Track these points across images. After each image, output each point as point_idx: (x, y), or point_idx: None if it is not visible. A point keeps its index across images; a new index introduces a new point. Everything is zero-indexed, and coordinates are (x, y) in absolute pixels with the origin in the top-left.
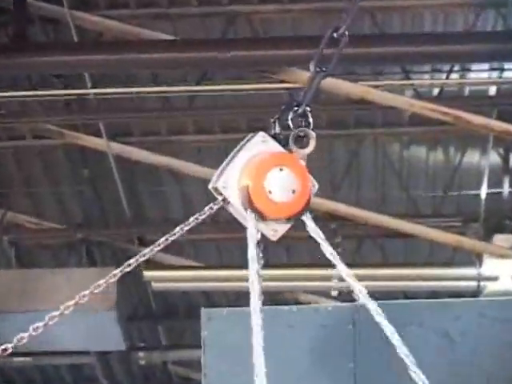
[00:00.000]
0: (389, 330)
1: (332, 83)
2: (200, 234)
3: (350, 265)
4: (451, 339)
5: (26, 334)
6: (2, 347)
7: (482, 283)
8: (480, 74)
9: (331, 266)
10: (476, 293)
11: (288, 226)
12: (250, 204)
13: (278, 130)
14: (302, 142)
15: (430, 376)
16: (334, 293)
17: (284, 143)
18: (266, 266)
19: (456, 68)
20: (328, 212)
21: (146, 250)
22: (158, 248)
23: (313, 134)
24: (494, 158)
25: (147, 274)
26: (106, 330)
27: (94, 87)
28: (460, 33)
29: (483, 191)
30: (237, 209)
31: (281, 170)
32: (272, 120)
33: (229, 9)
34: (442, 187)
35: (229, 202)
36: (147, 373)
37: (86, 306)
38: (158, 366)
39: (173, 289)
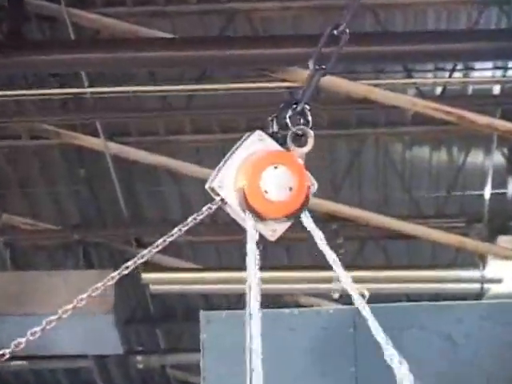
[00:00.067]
0: (380, 337)
1: (333, 82)
2: (199, 235)
3: (351, 267)
4: (454, 342)
5: (23, 339)
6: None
7: (485, 285)
8: (484, 72)
9: (332, 267)
10: (479, 295)
11: (287, 225)
12: (246, 204)
13: (275, 128)
14: (300, 140)
15: (432, 378)
16: (336, 295)
17: (282, 142)
18: (265, 268)
19: (459, 66)
20: (329, 213)
21: (144, 252)
22: (157, 249)
23: (311, 132)
24: (498, 157)
25: (145, 276)
26: (104, 334)
27: (90, 86)
28: (463, 31)
29: (487, 192)
30: (234, 209)
31: (276, 168)
32: (270, 118)
33: (228, 6)
34: (445, 188)
35: (226, 203)
36: (145, 377)
37: (83, 309)
38: (156, 370)
39: (171, 291)
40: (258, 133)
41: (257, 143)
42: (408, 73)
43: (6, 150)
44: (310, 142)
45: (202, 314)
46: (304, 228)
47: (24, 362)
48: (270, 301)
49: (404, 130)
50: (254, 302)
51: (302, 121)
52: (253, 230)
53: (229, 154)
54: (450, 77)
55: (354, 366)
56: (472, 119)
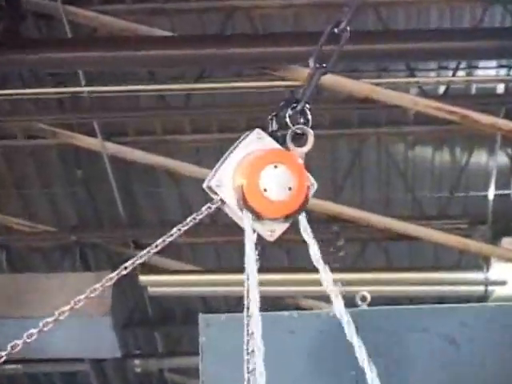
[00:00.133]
0: (356, 342)
1: (334, 81)
2: (198, 236)
3: (352, 268)
4: (457, 345)
5: (19, 341)
6: None
7: (489, 288)
8: (487, 71)
9: (334, 270)
10: (483, 298)
11: (286, 225)
12: (244, 203)
13: (275, 127)
14: (300, 140)
15: (435, 383)
16: None
17: (281, 141)
18: (265, 270)
19: (462, 65)
20: (330, 214)
21: (143, 252)
22: (155, 250)
23: (311, 131)
24: (502, 158)
25: (143, 278)
26: (101, 337)
27: (88, 85)
28: (467, 29)
29: (491, 192)
30: (232, 209)
31: (276, 167)
32: (269, 117)
33: (227, 4)
34: (448, 188)
35: (224, 202)
36: (143, 381)
37: (80, 312)
38: (154, 374)
39: (170, 293)
40: (257, 131)
41: (256, 142)
42: (410, 71)
43: (1, 149)
44: (310, 141)
45: (201, 316)
46: None
47: (18, 366)
48: (270, 303)
49: (406, 129)
50: (253, 301)
51: (301, 120)
52: (250, 228)
53: (227, 152)
54: (453, 76)
55: (355, 369)
56: (475, 119)
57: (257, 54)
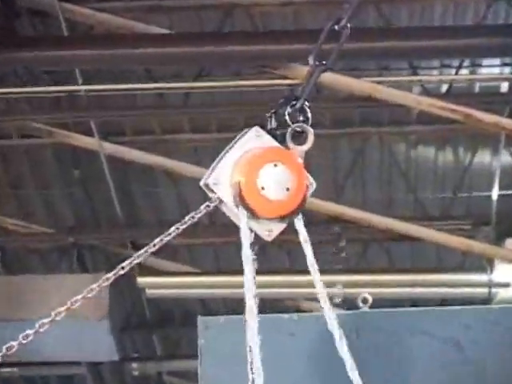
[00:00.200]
0: (341, 345)
1: (336, 79)
2: (196, 237)
3: (354, 270)
4: (461, 348)
5: (15, 343)
6: None
7: (493, 290)
8: (491, 69)
9: (335, 271)
10: (487, 300)
11: (283, 225)
12: (241, 201)
13: (273, 125)
14: (299, 138)
15: None
16: (338, 300)
17: (280, 139)
18: (266, 271)
19: (466, 63)
20: (331, 214)
21: (141, 252)
22: (153, 249)
23: (311, 129)
24: (506, 157)
25: (141, 280)
26: (98, 340)
27: (84, 83)
28: (470, 26)
29: (494, 193)
30: (229, 207)
31: (275, 165)
32: (268, 115)
33: (226, 1)
34: (451, 189)
35: (222, 201)
36: None
37: (77, 314)
38: (152, 377)
39: (168, 296)
40: (256, 129)
41: (254, 140)
42: (413, 70)
43: None
44: (310, 139)
45: (200, 319)
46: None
47: (14, 369)
48: (269, 305)
49: (409, 128)
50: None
51: (301, 118)
52: (246, 226)
53: (225, 150)
54: (456, 74)
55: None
56: (479, 118)
57: (256, 51)
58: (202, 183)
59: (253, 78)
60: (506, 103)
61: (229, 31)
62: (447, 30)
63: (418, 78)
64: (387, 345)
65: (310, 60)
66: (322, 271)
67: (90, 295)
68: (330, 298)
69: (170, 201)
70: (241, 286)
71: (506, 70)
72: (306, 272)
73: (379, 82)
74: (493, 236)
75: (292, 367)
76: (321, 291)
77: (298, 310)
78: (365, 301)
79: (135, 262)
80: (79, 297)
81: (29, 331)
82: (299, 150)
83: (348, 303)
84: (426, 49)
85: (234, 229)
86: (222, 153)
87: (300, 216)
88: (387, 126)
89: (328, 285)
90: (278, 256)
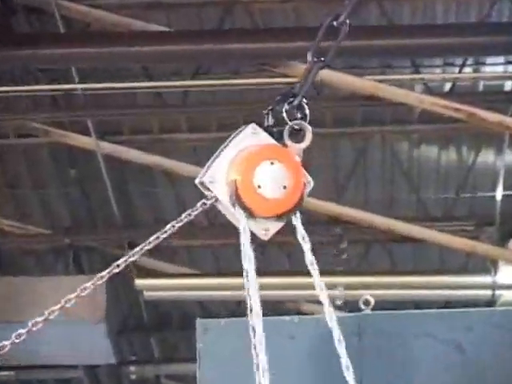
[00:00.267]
0: (339, 347)
1: (337, 78)
2: (195, 239)
3: (355, 271)
4: (464, 351)
5: (7, 342)
6: None
7: (497, 292)
8: (495, 67)
9: (336, 273)
10: (490, 302)
11: (280, 225)
12: (238, 200)
13: (271, 122)
14: (297, 136)
15: None
16: (339, 302)
17: (277, 137)
18: (266, 273)
19: (469, 61)
20: (332, 215)
21: (136, 249)
22: (148, 247)
23: (309, 127)
24: (510, 157)
25: (138, 282)
26: (95, 343)
27: (81, 82)
28: (474, 24)
29: (498, 193)
30: (226, 206)
31: (272, 163)
32: (265, 112)
33: None
34: (454, 189)
35: (218, 199)
36: None
37: (73, 317)
38: (150, 381)
39: (166, 298)
40: (252, 126)
41: (250, 137)
42: (415, 68)
43: None
44: (308, 137)
45: (199, 321)
46: (306, 232)
47: (11, 373)
48: (270, 308)
49: (411, 128)
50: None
51: (299, 115)
52: (247, 226)
53: (221, 147)
54: (459, 72)
55: (359, 375)
56: (483, 117)
57: (256, 49)
58: (197, 181)
59: (252, 76)
60: (510, 102)
61: (228, 28)
62: (450, 28)
63: (421, 76)
64: (390, 347)
65: (309, 56)
66: (323, 273)
67: (83, 294)
68: (332, 300)
69: (168, 201)
70: (240, 287)
71: (510, 68)
72: (307, 274)
73: (381, 81)
74: (497, 237)
75: (292, 371)
76: (320, 288)
77: (299, 313)
78: (367, 303)
79: (130, 260)
80: (73, 295)
81: (21, 330)
82: (297, 148)
83: (350, 305)
84: (429, 47)
85: (234, 230)
86: (218, 150)
87: (298, 214)
88: (389, 125)
89: (329, 287)
90: (277, 257)
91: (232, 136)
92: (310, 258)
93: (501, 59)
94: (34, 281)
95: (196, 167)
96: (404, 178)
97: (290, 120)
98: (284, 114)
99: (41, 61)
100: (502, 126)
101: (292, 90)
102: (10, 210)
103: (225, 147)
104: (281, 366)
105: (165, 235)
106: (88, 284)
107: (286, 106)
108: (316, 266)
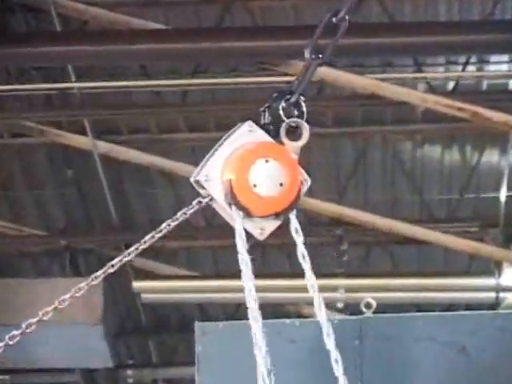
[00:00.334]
0: (334, 353)
1: (337, 77)
2: (194, 240)
3: (357, 274)
4: (467, 354)
5: (1, 344)
6: None
7: (501, 294)
8: (499, 66)
9: (337, 275)
10: (495, 305)
11: (276, 223)
12: (233, 199)
13: (267, 119)
14: (294, 134)
15: None
16: (340, 305)
17: (274, 134)
18: (266, 275)
19: (473, 60)
20: (333, 216)
21: (131, 249)
22: (144, 246)
23: (306, 125)
24: None
25: (136, 284)
26: (92, 346)
27: (78, 81)
28: (477, 21)
29: (503, 194)
30: (220, 204)
31: (267, 161)
32: (261, 109)
33: None
34: (457, 189)
35: (213, 198)
36: None
37: (70, 320)
38: None
39: (164, 301)
40: (249, 123)
41: (247, 135)
42: (418, 67)
43: None
44: (305, 135)
45: (198, 325)
46: (307, 233)
47: (6, 377)
48: (270, 310)
49: (414, 127)
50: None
51: (296, 113)
52: (240, 226)
53: (217, 145)
54: (463, 71)
55: (360, 380)
56: (487, 116)
57: (255, 47)
58: (192, 179)
59: (252, 75)
60: None
61: (227, 26)
62: (453, 26)
63: (423, 75)
64: (391, 351)
65: (306, 53)
66: (324, 275)
67: (78, 295)
68: (333, 303)
69: (166, 202)
70: (240, 290)
71: None
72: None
73: (383, 79)
74: (501, 238)
75: (293, 375)
76: (310, 282)
77: (300, 316)
78: (368, 306)
79: (125, 259)
80: (67, 296)
81: (15, 332)
82: (294, 146)
83: (351, 308)
84: (432, 45)
85: (233, 231)
86: (214, 148)
87: (295, 213)
88: (391, 125)
89: (330, 289)
90: (277, 259)
91: (228, 133)
92: (302, 251)
93: (505, 57)
94: (31, 283)
95: (195, 167)
96: (406, 179)
97: (287, 118)
98: (281, 112)
99: (37, 59)
100: (506, 125)
101: (289, 87)
102: (5, 211)
103: (220, 145)
104: (281, 371)
105: (160, 234)
106: (82, 284)
107: (283, 104)
108: (308, 259)
